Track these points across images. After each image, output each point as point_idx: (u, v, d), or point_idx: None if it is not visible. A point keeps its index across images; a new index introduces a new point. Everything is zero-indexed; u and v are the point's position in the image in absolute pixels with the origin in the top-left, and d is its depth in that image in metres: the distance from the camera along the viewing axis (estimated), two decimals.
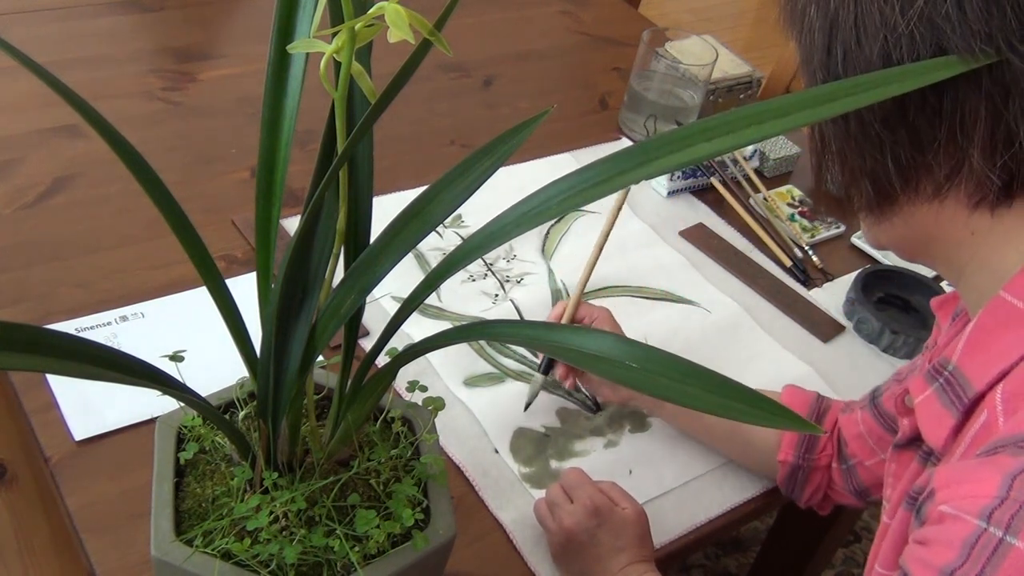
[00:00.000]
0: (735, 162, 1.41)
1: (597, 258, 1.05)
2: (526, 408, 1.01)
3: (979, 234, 0.63)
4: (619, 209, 1.05)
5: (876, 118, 0.62)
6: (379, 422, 0.74)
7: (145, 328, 1.00)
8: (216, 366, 0.82)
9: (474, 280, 1.16)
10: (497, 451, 0.97)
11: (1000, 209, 0.62)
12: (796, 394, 0.99)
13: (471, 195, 0.62)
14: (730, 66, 1.55)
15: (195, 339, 0.94)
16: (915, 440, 0.72)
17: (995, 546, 0.51)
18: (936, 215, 0.64)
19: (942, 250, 0.67)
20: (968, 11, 0.56)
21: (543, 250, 1.23)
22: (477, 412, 1.00)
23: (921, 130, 0.60)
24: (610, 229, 1.05)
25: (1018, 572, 0.50)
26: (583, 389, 1.05)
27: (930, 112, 0.60)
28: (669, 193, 1.35)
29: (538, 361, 1.07)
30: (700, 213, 1.35)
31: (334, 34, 0.54)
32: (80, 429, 0.89)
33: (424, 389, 0.78)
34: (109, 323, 0.99)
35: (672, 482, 0.99)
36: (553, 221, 1.26)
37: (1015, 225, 0.62)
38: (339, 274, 0.64)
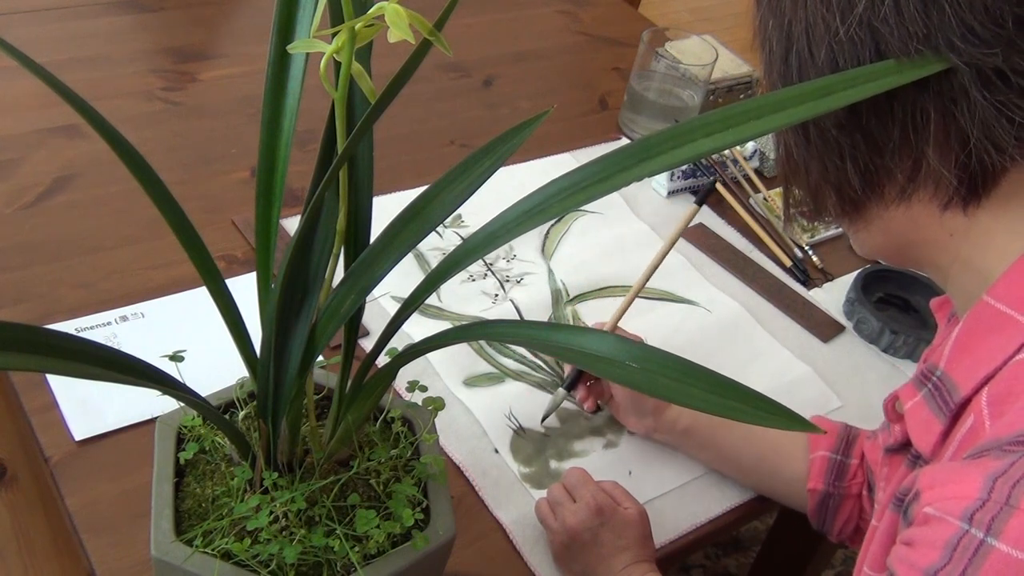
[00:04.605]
0: (735, 162, 1.41)
1: (650, 276, 1.02)
2: (543, 420, 1.00)
3: (957, 235, 0.63)
4: (687, 224, 1.02)
5: (832, 124, 0.62)
6: (379, 422, 0.74)
7: (145, 328, 1.00)
8: (216, 366, 0.82)
9: (474, 280, 1.16)
10: (497, 451, 0.97)
11: (972, 208, 0.62)
12: (823, 423, 0.96)
13: (471, 195, 0.62)
14: (730, 66, 1.55)
15: (195, 339, 0.94)
16: (906, 444, 0.73)
17: (976, 547, 0.51)
18: (909, 219, 0.64)
19: (925, 254, 0.67)
20: (905, 13, 0.57)
21: (543, 250, 1.23)
22: (477, 412, 1.00)
23: (876, 133, 0.61)
24: (670, 246, 1.01)
25: (998, 573, 0.50)
26: (603, 408, 1.04)
27: (882, 114, 0.60)
28: (669, 193, 1.35)
29: (539, 362, 1.08)
30: (700, 213, 1.34)
31: (334, 34, 0.54)
32: (80, 429, 0.89)
33: (424, 389, 0.78)
34: (109, 323, 0.99)
35: (672, 482, 0.99)
36: (553, 221, 1.26)
37: (991, 224, 0.62)
38: (339, 274, 0.64)
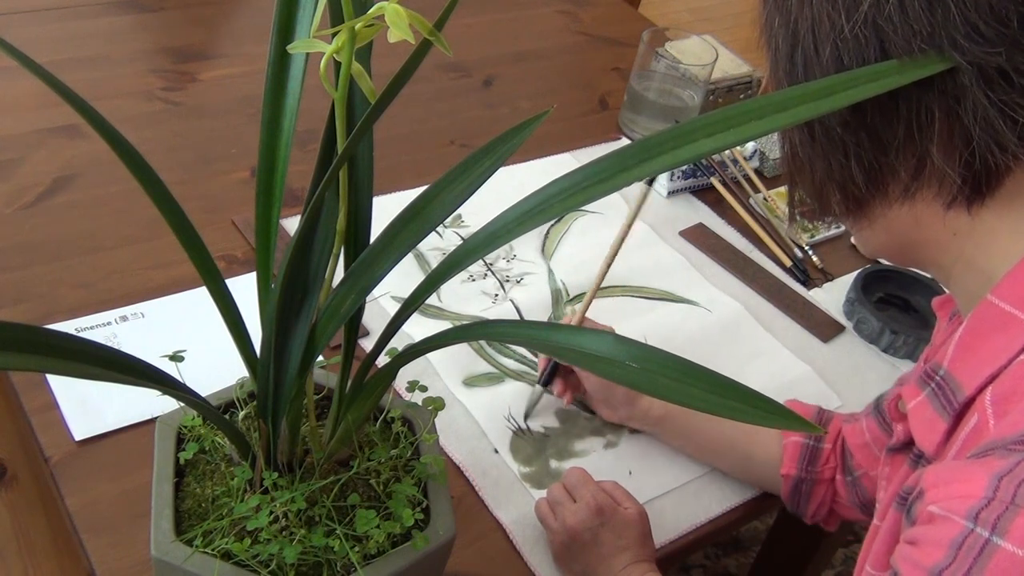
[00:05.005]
0: (735, 162, 1.41)
1: (609, 265, 1.02)
2: (526, 418, 1.01)
3: (961, 234, 0.63)
4: (637, 211, 1.01)
5: (837, 122, 0.62)
6: (379, 422, 0.74)
7: (145, 328, 1.00)
8: (216, 366, 0.82)
9: (474, 280, 1.16)
10: (497, 451, 0.97)
11: (976, 208, 0.62)
12: (797, 407, 0.99)
13: (471, 195, 0.62)
14: (730, 66, 1.55)
15: (195, 339, 0.94)
16: (909, 444, 0.73)
17: (982, 547, 0.51)
18: (913, 217, 0.64)
19: (928, 253, 0.67)
20: (910, 11, 0.57)
21: (543, 250, 1.23)
22: (477, 412, 1.00)
23: (880, 131, 0.61)
24: (625, 234, 1.01)
25: (1004, 572, 0.50)
26: (583, 402, 1.04)
27: (886, 113, 0.60)
28: (669, 193, 1.36)
29: (538, 361, 1.07)
30: (700, 213, 1.35)
31: (334, 34, 0.54)
32: (80, 429, 0.89)
33: (424, 389, 0.78)
34: (109, 323, 0.99)
35: (672, 482, 0.99)
36: (553, 221, 1.26)
37: (995, 224, 0.62)
38: (339, 274, 0.64)
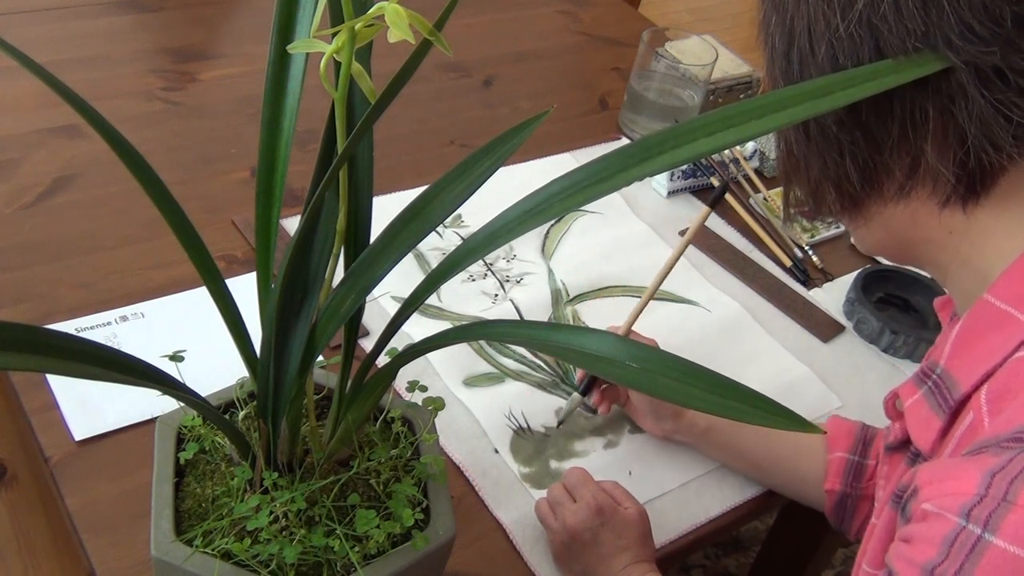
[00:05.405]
0: (735, 162, 1.41)
1: (662, 280, 1.00)
2: (559, 425, 1.00)
3: (957, 233, 0.64)
4: (695, 231, 1.00)
5: (832, 121, 0.63)
6: (379, 422, 0.74)
7: (145, 328, 1.00)
8: (216, 366, 0.82)
9: (474, 280, 1.16)
10: (497, 451, 0.97)
11: (971, 207, 0.62)
12: (841, 424, 0.96)
13: (471, 195, 0.62)
14: (730, 66, 1.55)
15: (195, 339, 0.94)
16: (907, 442, 0.73)
17: (974, 543, 0.51)
18: (909, 216, 0.65)
19: (925, 252, 0.67)
20: (905, 11, 0.57)
21: (543, 250, 1.23)
22: (477, 412, 1.00)
23: (875, 130, 0.61)
24: (680, 255, 1.00)
25: (996, 569, 0.50)
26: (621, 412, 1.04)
27: (881, 112, 0.61)
28: (669, 193, 1.35)
29: (539, 362, 1.08)
30: (700, 213, 1.35)
31: (334, 34, 0.54)
32: (80, 429, 0.89)
33: (424, 389, 0.78)
34: (109, 323, 0.99)
35: (672, 482, 0.99)
36: (553, 221, 1.26)
37: (990, 223, 0.62)
38: (339, 274, 0.64)
